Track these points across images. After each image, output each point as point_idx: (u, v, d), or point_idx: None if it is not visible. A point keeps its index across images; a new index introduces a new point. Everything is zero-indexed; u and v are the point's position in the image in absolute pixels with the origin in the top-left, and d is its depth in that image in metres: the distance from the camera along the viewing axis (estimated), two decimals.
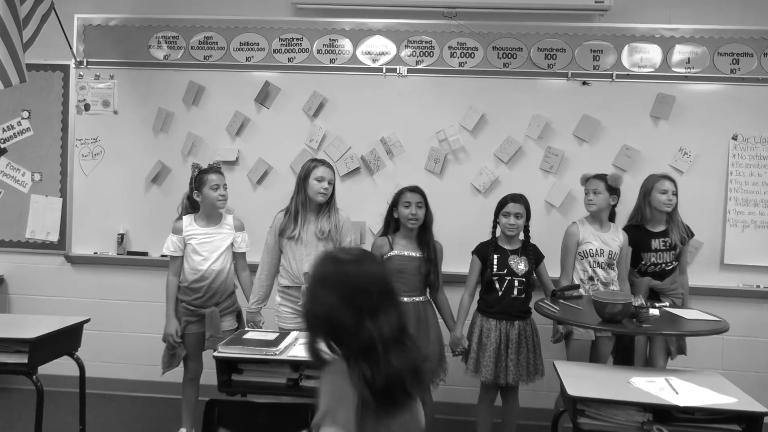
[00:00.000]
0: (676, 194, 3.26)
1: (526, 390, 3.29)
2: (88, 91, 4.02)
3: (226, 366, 2.42)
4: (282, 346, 2.44)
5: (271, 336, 2.55)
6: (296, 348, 2.49)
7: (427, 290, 3.22)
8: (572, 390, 2.17)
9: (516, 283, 3.13)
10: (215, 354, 2.39)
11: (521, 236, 3.22)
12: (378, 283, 1.50)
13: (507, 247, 3.20)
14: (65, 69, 4.04)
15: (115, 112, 4.03)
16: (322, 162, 3.12)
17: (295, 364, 2.41)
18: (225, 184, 3.21)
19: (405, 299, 3.12)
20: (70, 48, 3.92)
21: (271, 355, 2.37)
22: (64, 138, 4.05)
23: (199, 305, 3.16)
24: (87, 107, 4.03)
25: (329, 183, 3.05)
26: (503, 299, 3.13)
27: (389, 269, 3.09)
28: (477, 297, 3.27)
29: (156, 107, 3.98)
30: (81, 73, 4.03)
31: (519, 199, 3.18)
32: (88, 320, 3.05)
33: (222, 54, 3.95)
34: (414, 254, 3.16)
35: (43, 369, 2.76)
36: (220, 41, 3.95)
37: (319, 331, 1.50)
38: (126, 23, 4.00)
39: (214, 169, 3.25)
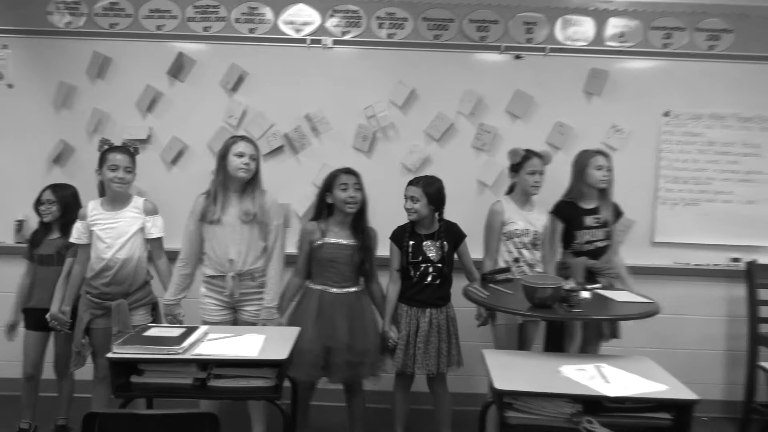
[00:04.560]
0: (611, 170, 3.17)
1: (462, 375, 3.17)
2: None
3: (123, 367, 2.17)
4: (187, 343, 2.20)
5: (176, 332, 2.31)
6: (204, 345, 2.26)
7: (361, 280, 3.04)
8: (499, 382, 2.03)
9: (430, 269, 2.98)
10: (108, 355, 2.14)
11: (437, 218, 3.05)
12: None
13: (422, 231, 3.04)
14: None
15: (10, 86, 3.63)
16: (243, 137, 2.90)
17: (203, 363, 2.19)
18: (128, 167, 2.91)
19: (336, 291, 2.93)
20: None
21: (173, 354, 2.14)
22: None
23: (106, 297, 2.88)
24: None
25: (251, 158, 2.82)
26: (416, 285, 2.99)
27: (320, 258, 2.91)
28: None
29: (56, 80, 3.61)
30: None
31: (416, 182, 2.99)
32: None
33: (130, 22, 3.61)
34: (347, 242, 2.96)
35: None
36: (127, 7, 3.60)
37: None
38: None
39: (121, 148, 2.96)
